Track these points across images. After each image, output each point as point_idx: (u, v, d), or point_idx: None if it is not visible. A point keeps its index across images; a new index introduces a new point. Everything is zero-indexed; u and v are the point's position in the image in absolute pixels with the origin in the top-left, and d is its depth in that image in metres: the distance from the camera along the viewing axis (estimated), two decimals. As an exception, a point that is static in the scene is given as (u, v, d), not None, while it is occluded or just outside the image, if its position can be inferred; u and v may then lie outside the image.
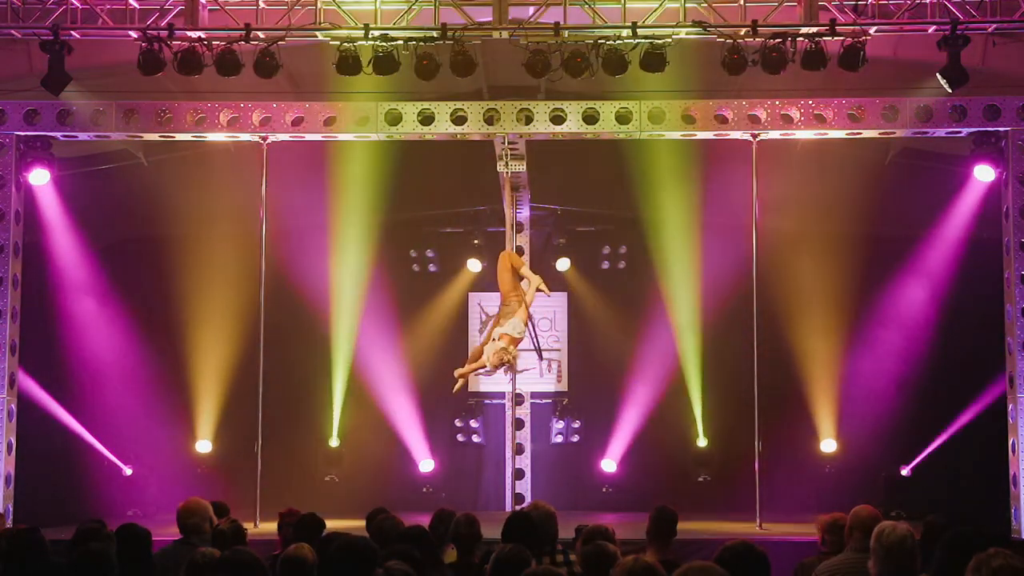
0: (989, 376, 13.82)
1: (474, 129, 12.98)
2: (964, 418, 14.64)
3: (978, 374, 14.22)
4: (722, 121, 12.85)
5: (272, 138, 13.05)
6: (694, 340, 15.51)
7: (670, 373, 15.66)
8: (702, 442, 15.76)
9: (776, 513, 13.03)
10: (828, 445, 15.48)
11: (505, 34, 11.68)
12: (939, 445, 14.89)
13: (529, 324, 12.03)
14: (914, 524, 5.38)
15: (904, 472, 15.10)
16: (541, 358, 12.88)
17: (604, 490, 15.98)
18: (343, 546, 5.07)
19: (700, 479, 15.75)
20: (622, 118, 12.88)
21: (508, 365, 11.66)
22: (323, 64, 11.80)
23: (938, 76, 11.57)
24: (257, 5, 11.68)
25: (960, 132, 12.84)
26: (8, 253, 12.79)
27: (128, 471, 15.28)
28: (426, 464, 15.98)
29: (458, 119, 12.95)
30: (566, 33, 11.47)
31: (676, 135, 13.08)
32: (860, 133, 12.96)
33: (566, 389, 16.30)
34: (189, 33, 11.47)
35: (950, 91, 11.74)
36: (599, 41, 11.42)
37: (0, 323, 12.71)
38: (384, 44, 11.35)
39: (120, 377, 15.12)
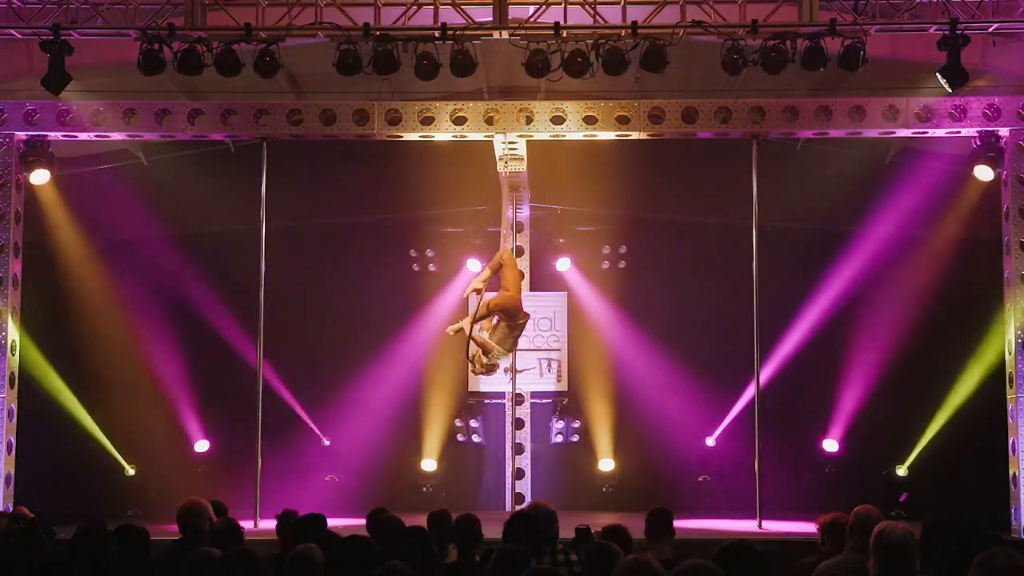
0: (988, 376, 13.81)
1: (474, 129, 12.98)
2: (963, 418, 14.63)
3: (977, 374, 14.20)
4: (723, 120, 12.85)
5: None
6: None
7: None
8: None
9: (776, 513, 13.03)
10: (828, 445, 15.49)
11: (505, 34, 11.68)
12: (939, 445, 14.88)
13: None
14: (914, 524, 5.37)
15: (903, 472, 15.11)
16: None
17: (604, 490, 15.98)
18: (343, 546, 5.07)
19: (700, 479, 15.74)
20: (622, 118, 12.88)
21: (478, 360, 11.76)
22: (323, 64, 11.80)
23: (938, 76, 11.57)
24: (257, 5, 11.68)
25: (960, 132, 12.85)
26: (8, 253, 12.78)
27: (131, 471, 15.30)
28: (427, 464, 15.98)
29: (458, 119, 12.95)
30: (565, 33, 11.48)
31: (676, 135, 13.08)
32: (860, 133, 12.96)
33: (566, 389, 16.30)
34: (189, 33, 11.47)
35: (950, 91, 11.74)
36: (599, 41, 11.41)
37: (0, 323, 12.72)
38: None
39: (121, 377, 15.11)
